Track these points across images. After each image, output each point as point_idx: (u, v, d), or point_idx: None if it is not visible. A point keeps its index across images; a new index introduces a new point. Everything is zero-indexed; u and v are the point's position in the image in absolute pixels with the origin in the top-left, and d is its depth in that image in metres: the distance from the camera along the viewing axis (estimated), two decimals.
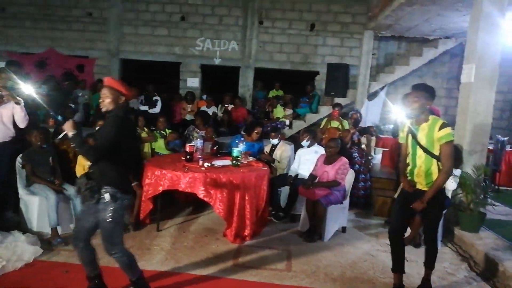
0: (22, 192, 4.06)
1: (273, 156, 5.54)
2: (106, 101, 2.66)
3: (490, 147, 6.34)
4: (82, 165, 4.39)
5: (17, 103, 4.03)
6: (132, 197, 2.84)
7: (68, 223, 4.11)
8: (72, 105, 7.58)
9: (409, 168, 3.15)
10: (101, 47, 9.85)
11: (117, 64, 9.90)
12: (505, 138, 6.89)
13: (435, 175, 2.98)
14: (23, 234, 3.61)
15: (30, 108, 5.10)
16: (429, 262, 3.28)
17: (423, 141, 2.99)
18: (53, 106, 6.47)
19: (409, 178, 3.16)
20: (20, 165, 4.13)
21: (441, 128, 2.91)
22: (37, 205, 3.96)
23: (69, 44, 9.82)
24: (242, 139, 5.70)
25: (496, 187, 6.52)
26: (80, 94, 8.40)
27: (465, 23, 6.59)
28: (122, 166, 2.69)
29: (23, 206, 4.04)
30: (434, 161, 2.98)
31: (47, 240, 3.80)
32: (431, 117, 3.00)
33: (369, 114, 8.73)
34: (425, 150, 2.99)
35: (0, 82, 4.09)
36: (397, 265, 3.24)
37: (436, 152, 2.96)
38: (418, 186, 3.07)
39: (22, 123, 4.12)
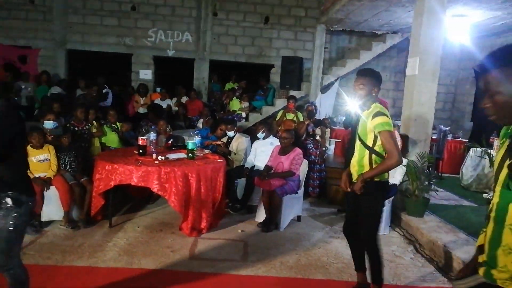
0: None
1: (230, 148, 5.54)
2: None
3: (434, 137, 6.74)
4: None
5: None
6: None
7: None
8: (15, 98, 7.14)
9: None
10: (45, 37, 9.30)
11: (63, 55, 9.40)
12: (447, 128, 7.36)
13: (366, 168, 2.76)
14: None
15: None
16: (374, 275, 2.92)
17: (359, 129, 2.82)
18: None
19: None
20: None
21: (374, 116, 2.68)
22: None
23: (9, 34, 9.17)
24: (198, 133, 5.67)
25: (439, 174, 6.95)
26: (23, 87, 7.89)
27: (411, 19, 6.92)
28: (19, 165, 2.29)
29: None
30: (367, 152, 2.76)
31: None
32: (373, 105, 2.77)
33: (323, 106, 8.96)
34: (359, 138, 2.81)
35: None
36: (358, 263, 3.05)
37: (369, 142, 2.75)
38: (353, 177, 2.84)
39: None
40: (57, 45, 9.33)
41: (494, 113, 1.29)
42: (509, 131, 1.40)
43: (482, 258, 1.41)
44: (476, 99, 9.24)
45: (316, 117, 6.84)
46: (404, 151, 4.86)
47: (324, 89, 9.29)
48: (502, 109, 1.26)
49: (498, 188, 1.34)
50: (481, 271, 1.41)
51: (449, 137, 7.54)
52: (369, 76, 2.80)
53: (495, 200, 1.35)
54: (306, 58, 9.41)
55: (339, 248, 4.00)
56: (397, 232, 4.65)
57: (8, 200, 2.17)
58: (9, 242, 2.21)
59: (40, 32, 9.29)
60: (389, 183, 2.99)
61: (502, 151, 1.37)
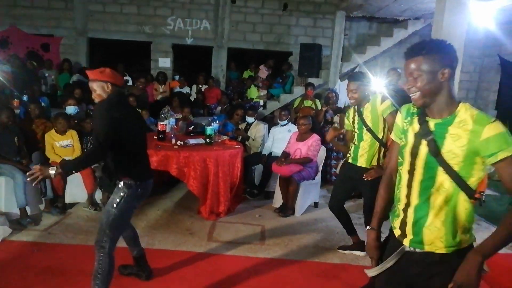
0: None
1: (248, 134, 5.57)
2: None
3: None
4: (51, 144, 4.29)
5: None
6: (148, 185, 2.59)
7: (36, 203, 4.02)
8: (43, 86, 7.35)
9: (352, 147, 3.24)
10: (67, 26, 9.44)
11: (84, 44, 9.54)
12: None
13: (376, 156, 3.13)
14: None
15: None
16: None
17: (368, 119, 3.08)
18: (18, 86, 6.22)
19: (352, 156, 3.23)
20: None
21: (382, 101, 3.02)
22: (3, 186, 3.84)
23: (32, 22, 9.34)
24: (216, 119, 5.71)
25: None
26: (46, 75, 8.08)
27: (433, 4, 6.73)
28: (129, 151, 2.46)
29: None
30: (377, 144, 3.09)
31: (16, 220, 3.70)
32: (372, 97, 3.13)
33: (341, 95, 8.85)
34: (370, 130, 3.08)
35: None
36: (349, 229, 3.52)
37: (380, 133, 3.06)
38: (361, 164, 3.17)
39: None
40: (79, 33, 9.47)
41: (418, 90, 1.50)
42: (412, 111, 1.63)
43: (406, 229, 1.58)
44: (501, 87, 8.96)
45: (336, 105, 6.78)
46: None
47: (343, 76, 9.15)
48: (425, 89, 1.49)
49: (420, 165, 1.54)
50: (405, 241, 1.58)
51: None
52: (360, 80, 3.11)
53: (418, 177, 1.54)
54: (325, 45, 9.26)
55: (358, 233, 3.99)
56: None
57: (120, 182, 2.44)
58: (108, 218, 2.41)
59: (62, 20, 9.44)
60: None
61: (412, 130, 1.59)
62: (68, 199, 4.21)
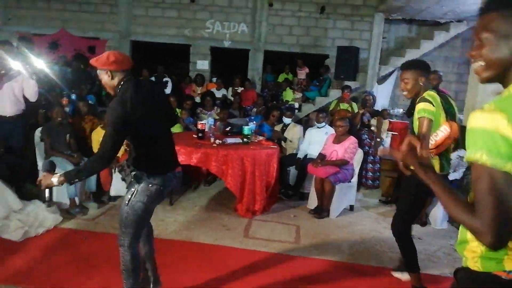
0: (41, 164, 4.20)
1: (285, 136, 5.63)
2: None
3: None
4: (97, 141, 4.53)
5: (31, 77, 4.11)
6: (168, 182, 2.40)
7: (84, 195, 4.28)
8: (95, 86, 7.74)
9: None
10: (112, 29, 9.91)
11: (127, 46, 9.96)
12: None
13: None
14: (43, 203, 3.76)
15: (43, 84, 5.20)
16: (407, 264, 2.96)
17: (415, 115, 2.73)
18: (67, 85, 6.60)
19: None
20: (39, 139, 4.27)
21: (419, 101, 2.65)
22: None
23: (80, 26, 9.89)
24: (253, 120, 5.81)
25: None
26: (93, 75, 8.49)
27: (477, 6, 6.53)
28: (145, 144, 2.30)
29: None
30: None
31: (66, 210, 3.96)
32: (426, 93, 2.67)
33: (379, 97, 8.72)
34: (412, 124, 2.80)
35: (12, 56, 4.09)
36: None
37: (415, 129, 2.70)
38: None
39: (33, 97, 4.21)
40: (122, 36, 9.91)
41: (482, 60, 1.13)
42: None
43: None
44: None
45: (374, 108, 6.70)
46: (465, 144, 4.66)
47: (381, 80, 9.03)
48: (490, 58, 1.11)
49: None
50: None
51: None
52: (413, 68, 2.73)
53: None
54: (363, 48, 9.20)
55: (393, 239, 3.94)
56: (455, 226, 4.49)
57: (132, 174, 2.30)
58: (122, 215, 2.31)
59: (107, 24, 9.92)
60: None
61: None
62: (113, 192, 4.43)
